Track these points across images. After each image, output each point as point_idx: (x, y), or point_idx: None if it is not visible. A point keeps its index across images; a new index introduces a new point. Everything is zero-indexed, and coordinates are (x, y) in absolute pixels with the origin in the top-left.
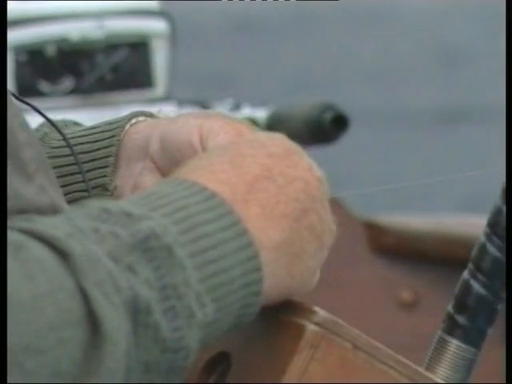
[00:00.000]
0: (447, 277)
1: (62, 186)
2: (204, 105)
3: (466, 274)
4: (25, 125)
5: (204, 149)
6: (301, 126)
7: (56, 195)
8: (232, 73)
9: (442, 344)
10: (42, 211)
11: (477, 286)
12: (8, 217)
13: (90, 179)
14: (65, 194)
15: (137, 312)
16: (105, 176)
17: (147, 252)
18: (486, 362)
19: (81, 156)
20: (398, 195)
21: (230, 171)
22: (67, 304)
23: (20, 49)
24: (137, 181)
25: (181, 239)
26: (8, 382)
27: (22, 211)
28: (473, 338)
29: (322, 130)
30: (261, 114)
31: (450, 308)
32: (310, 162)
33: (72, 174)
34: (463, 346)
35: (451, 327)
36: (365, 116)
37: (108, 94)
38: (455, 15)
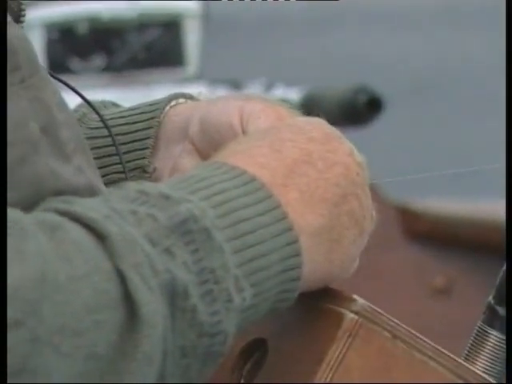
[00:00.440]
0: (481, 263)
1: (101, 168)
2: (236, 84)
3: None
4: (63, 104)
5: (244, 131)
6: (334, 107)
7: (93, 176)
8: None
9: (482, 335)
10: (79, 192)
11: None
12: (45, 197)
13: (129, 161)
14: (103, 176)
15: (174, 295)
16: (144, 158)
17: (185, 235)
18: None
19: (120, 137)
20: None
21: (270, 155)
22: (104, 286)
23: (51, 26)
24: (176, 163)
25: (219, 223)
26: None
27: (59, 191)
28: None
29: (355, 112)
30: (294, 94)
31: (490, 299)
32: (351, 147)
33: (110, 156)
34: (503, 337)
35: (491, 318)
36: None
37: (139, 72)
38: None
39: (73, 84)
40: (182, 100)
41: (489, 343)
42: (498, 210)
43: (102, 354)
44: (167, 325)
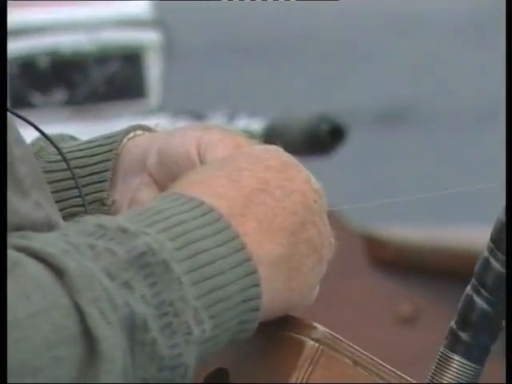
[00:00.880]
0: (447, 290)
1: (59, 201)
2: (199, 115)
3: (469, 290)
4: (20, 140)
5: (202, 161)
6: (297, 137)
7: (51, 210)
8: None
9: (444, 360)
10: (37, 227)
11: (480, 302)
12: None
13: (88, 194)
14: (62, 209)
15: (133, 329)
16: (102, 190)
17: (143, 268)
18: (486, 375)
19: (78, 170)
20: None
21: (227, 185)
22: (63, 322)
23: (12, 61)
24: (134, 195)
25: (177, 255)
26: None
27: (18, 227)
28: (476, 354)
29: (319, 141)
30: (257, 124)
31: (452, 324)
32: (308, 174)
33: (69, 189)
34: (466, 362)
35: (454, 343)
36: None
37: (101, 105)
38: None
39: (34, 118)
40: (139, 132)
41: (451, 368)
42: (463, 237)
43: None
44: (127, 359)
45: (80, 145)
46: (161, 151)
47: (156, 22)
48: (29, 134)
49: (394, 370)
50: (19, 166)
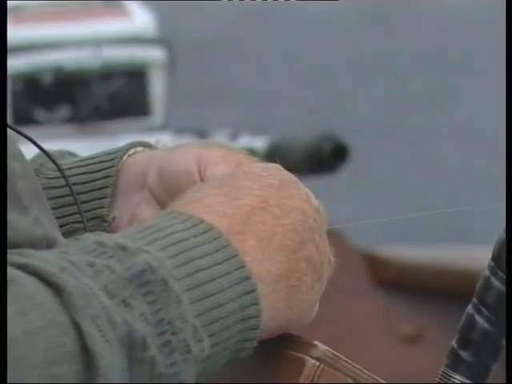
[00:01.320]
0: (448, 310)
1: (59, 217)
2: (201, 133)
3: (470, 309)
4: (19, 155)
5: (202, 178)
6: (300, 155)
7: (51, 227)
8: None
9: (445, 380)
10: (36, 244)
11: (481, 321)
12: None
13: (88, 210)
14: (61, 226)
15: (132, 347)
16: (102, 207)
17: (142, 286)
18: None
19: (78, 187)
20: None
21: (227, 203)
22: (61, 340)
23: (16, 77)
24: (134, 212)
25: (177, 273)
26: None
27: (16, 244)
28: (477, 373)
29: (322, 160)
30: (260, 143)
31: (453, 343)
32: (307, 193)
33: (69, 205)
34: (467, 381)
35: (455, 362)
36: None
37: (104, 122)
38: None
39: (38, 134)
40: (140, 148)
41: None
42: (465, 256)
43: None
44: (125, 377)
45: (80, 161)
46: (161, 168)
47: (160, 40)
48: (30, 151)
49: None
50: (18, 181)
